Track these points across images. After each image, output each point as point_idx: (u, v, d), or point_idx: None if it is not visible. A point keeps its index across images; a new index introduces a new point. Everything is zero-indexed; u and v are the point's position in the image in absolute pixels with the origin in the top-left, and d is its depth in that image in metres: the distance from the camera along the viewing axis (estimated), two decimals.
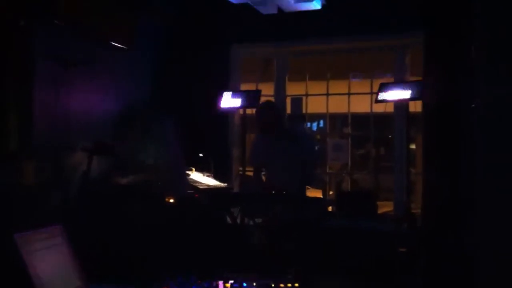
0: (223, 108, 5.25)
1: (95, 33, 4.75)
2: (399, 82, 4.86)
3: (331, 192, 6.64)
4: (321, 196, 6.36)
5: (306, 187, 5.09)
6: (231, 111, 5.95)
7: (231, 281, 2.42)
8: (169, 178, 4.37)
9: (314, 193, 5.97)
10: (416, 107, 4.98)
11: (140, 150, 4.49)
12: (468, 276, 3.23)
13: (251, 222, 4.50)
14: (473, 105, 2.96)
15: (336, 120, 7.62)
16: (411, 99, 4.58)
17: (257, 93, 5.14)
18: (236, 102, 5.16)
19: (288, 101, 6.19)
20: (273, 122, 4.79)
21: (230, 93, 5.22)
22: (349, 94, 6.02)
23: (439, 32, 4.88)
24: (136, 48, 5.28)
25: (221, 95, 5.20)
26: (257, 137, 5.13)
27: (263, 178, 5.19)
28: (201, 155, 5.40)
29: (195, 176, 5.14)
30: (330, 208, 5.15)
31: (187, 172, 4.97)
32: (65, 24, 4.37)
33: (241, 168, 5.51)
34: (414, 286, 3.93)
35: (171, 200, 4.26)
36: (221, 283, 2.41)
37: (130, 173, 4.44)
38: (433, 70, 4.85)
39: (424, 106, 5.05)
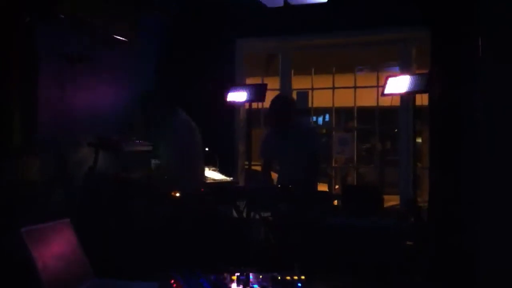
0: (228, 103, 5.24)
1: (99, 29, 4.75)
2: (405, 75, 4.84)
3: (336, 186, 6.63)
4: (327, 190, 6.36)
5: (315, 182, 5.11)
6: (236, 106, 5.94)
7: (238, 274, 2.42)
8: (179, 173, 4.38)
9: (319, 186, 5.95)
10: (422, 100, 4.97)
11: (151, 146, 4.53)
12: (470, 270, 3.22)
13: (257, 216, 4.50)
14: (480, 98, 2.95)
15: (341, 114, 7.60)
16: (417, 92, 4.57)
17: (263, 87, 5.12)
18: (242, 97, 5.15)
19: (294, 95, 6.18)
20: (285, 115, 4.80)
21: (236, 87, 5.21)
22: (355, 87, 6.00)
23: (445, 30, 4.87)
24: (140, 43, 5.28)
25: (227, 90, 5.19)
26: (267, 131, 5.14)
27: (272, 173, 5.20)
28: (206, 149, 5.41)
29: None
30: (335, 202, 5.15)
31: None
32: (69, 20, 4.37)
33: (246, 163, 5.51)
34: (418, 280, 3.93)
35: (177, 195, 4.27)
36: (228, 275, 2.41)
37: (136, 168, 4.46)
38: (439, 67, 4.85)
39: (430, 103, 5.04)
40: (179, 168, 4.39)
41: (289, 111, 4.86)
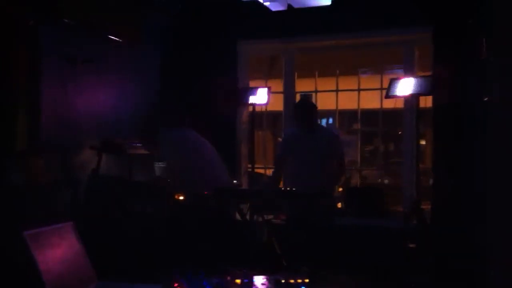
0: (231, 105, 5.24)
1: (101, 30, 4.76)
2: (409, 77, 4.84)
3: (340, 189, 6.62)
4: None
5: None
6: (239, 108, 5.94)
7: (241, 277, 2.42)
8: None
9: None
10: (426, 102, 4.96)
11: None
12: (478, 270, 3.20)
13: (260, 219, 4.50)
14: (485, 99, 2.94)
15: (345, 116, 7.59)
16: (421, 94, 4.56)
17: (266, 89, 5.12)
18: (245, 99, 5.15)
19: (298, 97, 6.17)
20: (308, 115, 4.88)
21: (239, 89, 5.21)
22: (358, 90, 5.99)
23: (448, 30, 4.86)
24: (143, 45, 5.28)
25: (229, 92, 5.19)
26: (289, 129, 5.19)
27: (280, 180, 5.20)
28: None
29: None
30: (339, 205, 5.14)
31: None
32: (72, 22, 4.38)
33: (249, 165, 5.50)
34: (422, 281, 3.92)
35: (181, 198, 4.27)
36: (231, 278, 2.40)
37: (140, 170, 4.47)
38: (442, 67, 4.84)
39: (434, 103, 5.03)
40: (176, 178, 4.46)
41: (310, 112, 4.94)
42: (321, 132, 5.00)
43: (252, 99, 5.09)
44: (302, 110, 4.99)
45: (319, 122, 5.17)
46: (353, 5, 5.40)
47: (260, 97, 5.06)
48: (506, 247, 2.57)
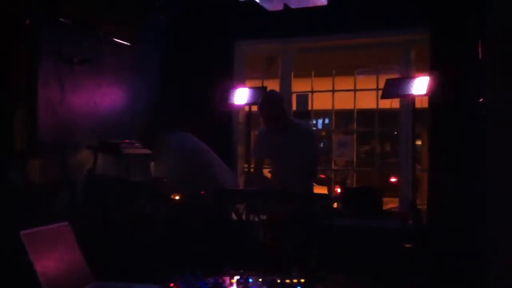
0: (228, 105, 5.23)
1: (99, 31, 4.75)
2: (405, 78, 4.85)
3: (338, 190, 6.62)
4: (326, 193, 6.35)
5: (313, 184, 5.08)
6: (235, 108, 5.93)
7: (237, 277, 2.42)
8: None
9: (318, 189, 5.94)
10: (422, 103, 4.97)
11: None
12: (478, 270, 3.21)
13: (257, 219, 4.49)
14: (480, 100, 2.94)
15: (341, 116, 7.59)
16: (417, 95, 4.56)
17: (263, 89, 5.12)
18: (241, 99, 5.14)
19: (294, 97, 6.16)
20: (276, 115, 4.73)
21: (235, 90, 5.20)
22: (354, 90, 5.99)
23: (447, 30, 4.88)
24: (141, 45, 5.27)
25: (226, 92, 5.18)
26: (262, 129, 5.09)
27: (266, 174, 5.16)
28: None
29: None
30: (335, 205, 5.14)
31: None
32: (71, 23, 4.37)
33: (246, 165, 5.49)
34: (420, 281, 3.93)
35: (177, 197, 4.26)
36: (227, 279, 2.40)
37: (136, 170, 4.47)
38: (439, 69, 4.85)
39: (430, 103, 5.04)
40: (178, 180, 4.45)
41: (278, 111, 4.77)
42: (294, 129, 4.71)
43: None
44: (267, 107, 4.73)
45: (292, 118, 4.98)
46: (352, 6, 5.40)
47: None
48: (506, 247, 2.56)
